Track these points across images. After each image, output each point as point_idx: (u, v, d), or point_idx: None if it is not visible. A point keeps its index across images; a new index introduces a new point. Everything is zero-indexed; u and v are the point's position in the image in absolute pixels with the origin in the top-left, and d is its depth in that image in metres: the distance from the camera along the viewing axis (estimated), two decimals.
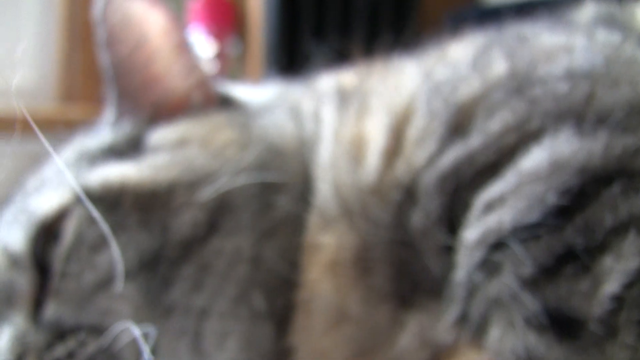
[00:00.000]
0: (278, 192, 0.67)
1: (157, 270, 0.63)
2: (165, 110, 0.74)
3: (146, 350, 0.59)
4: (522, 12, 0.71)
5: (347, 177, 0.64)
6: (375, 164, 0.62)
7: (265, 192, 0.67)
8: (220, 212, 0.65)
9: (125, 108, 0.75)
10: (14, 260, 0.66)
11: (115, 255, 0.62)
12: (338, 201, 0.64)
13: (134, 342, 0.61)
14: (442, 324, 0.58)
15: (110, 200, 0.65)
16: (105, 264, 0.63)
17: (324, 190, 0.65)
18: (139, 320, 0.61)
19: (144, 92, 0.75)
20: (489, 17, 0.74)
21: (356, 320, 0.63)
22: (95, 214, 0.63)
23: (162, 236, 0.64)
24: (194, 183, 0.66)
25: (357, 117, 0.67)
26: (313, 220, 0.66)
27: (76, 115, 1.85)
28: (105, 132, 0.74)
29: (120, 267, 0.62)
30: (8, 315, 0.66)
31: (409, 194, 0.59)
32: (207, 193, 0.65)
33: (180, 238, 0.64)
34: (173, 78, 0.75)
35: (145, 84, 0.75)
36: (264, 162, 0.68)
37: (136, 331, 0.60)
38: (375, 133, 0.64)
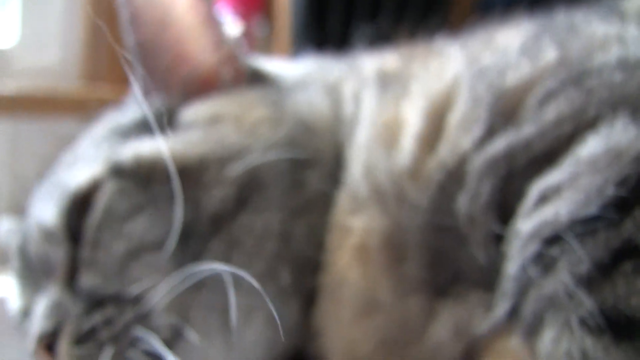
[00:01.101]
0: (308, 168, 0.67)
1: (189, 243, 0.63)
2: (195, 87, 0.74)
3: (230, 285, 0.60)
4: None
5: (380, 159, 0.63)
6: (411, 148, 0.61)
7: (296, 168, 0.67)
8: (249, 188, 0.65)
9: (152, 86, 0.75)
10: (48, 233, 0.68)
11: (147, 226, 0.64)
12: (369, 183, 0.63)
13: (168, 310, 0.62)
14: (481, 314, 0.56)
15: (142, 175, 0.66)
16: (135, 234, 0.64)
17: (355, 171, 0.65)
18: (171, 292, 0.62)
19: (171, 70, 0.75)
20: (521, 2, 0.72)
21: (386, 309, 0.62)
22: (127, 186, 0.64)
23: (193, 211, 0.64)
24: (224, 159, 0.66)
25: (395, 102, 0.66)
26: (343, 200, 0.65)
27: (101, 95, 1.85)
28: (135, 108, 0.74)
29: (150, 237, 0.63)
30: (45, 286, 0.68)
31: (454, 176, 0.57)
32: (236, 169, 0.65)
33: (210, 213, 0.64)
34: (200, 54, 0.75)
35: (171, 63, 0.74)
36: (294, 139, 0.68)
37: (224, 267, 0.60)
38: (411, 117, 0.63)
